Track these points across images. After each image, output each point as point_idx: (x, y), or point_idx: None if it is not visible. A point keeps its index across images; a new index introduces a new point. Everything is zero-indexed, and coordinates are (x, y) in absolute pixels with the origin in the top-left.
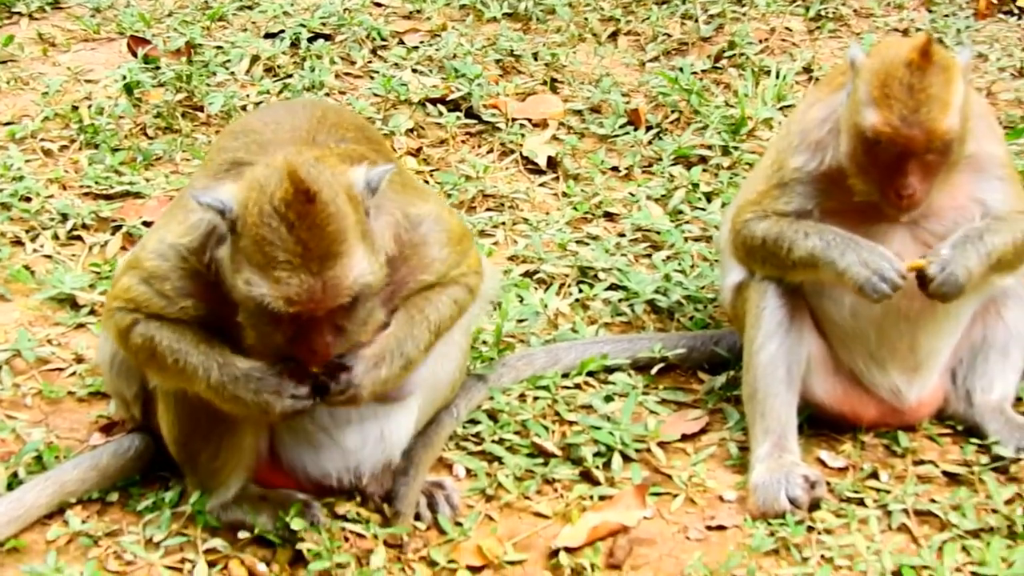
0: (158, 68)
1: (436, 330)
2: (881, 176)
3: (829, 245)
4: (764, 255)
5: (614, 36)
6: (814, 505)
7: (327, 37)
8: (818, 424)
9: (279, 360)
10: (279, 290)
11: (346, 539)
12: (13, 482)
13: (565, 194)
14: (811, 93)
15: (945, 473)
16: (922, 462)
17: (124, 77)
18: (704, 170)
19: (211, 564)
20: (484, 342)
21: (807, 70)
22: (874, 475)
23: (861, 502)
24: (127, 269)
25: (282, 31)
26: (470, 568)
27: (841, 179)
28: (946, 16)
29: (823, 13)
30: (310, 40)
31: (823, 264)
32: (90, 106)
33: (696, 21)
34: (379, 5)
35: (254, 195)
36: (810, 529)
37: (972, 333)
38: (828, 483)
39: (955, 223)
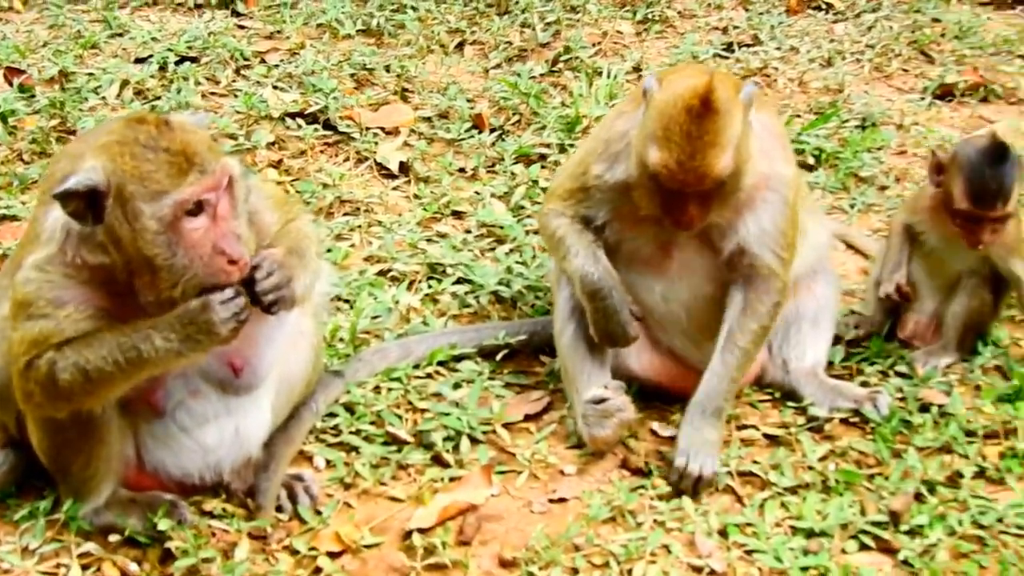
0: (33, 96)
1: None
2: (662, 202)
3: (587, 278)
4: (552, 247)
5: (460, 46)
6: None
7: (193, 60)
8: (649, 397)
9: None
10: None
11: (213, 534)
12: None
13: (416, 196)
14: (620, 104)
15: (766, 435)
16: (745, 427)
17: None
18: (543, 167)
19: (85, 567)
20: (341, 339)
21: (636, 69)
22: None
23: None
24: (9, 321)
25: (151, 56)
26: (330, 554)
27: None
28: (761, 14)
29: (650, 16)
30: (177, 63)
31: (578, 284)
32: None
33: (534, 29)
34: (242, 27)
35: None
36: (643, 495)
37: (785, 307)
38: (660, 452)
39: (733, 241)
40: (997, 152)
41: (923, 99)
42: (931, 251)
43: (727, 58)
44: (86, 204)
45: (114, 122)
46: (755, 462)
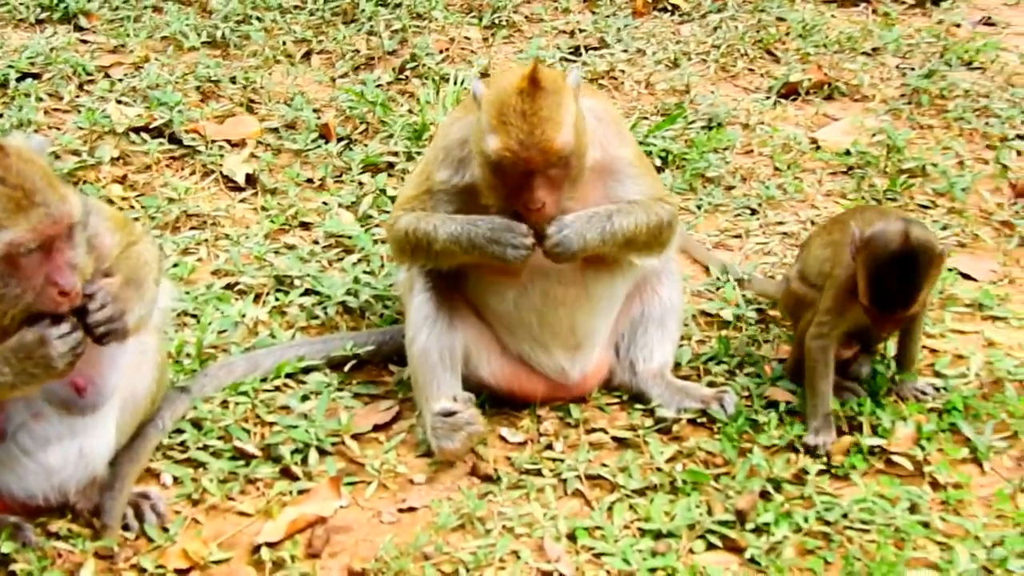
0: None
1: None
2: (511, 193)
3: (462, 231)
4: (412, 248)
5: (307, 56)
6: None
7: (35, 76)
8: (499, 404)
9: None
10: None
11: (59, 555)
12: None
13: (263, 208)
14: (453, 112)
15: (614, 438)
16: (593, 430)
17: None
18: (390, 176)
19: None
20: (187, 355)
21: (484, 75)
22: (550, 446)
23: (539, 472)
24: None
25: None
26: (177, 571)
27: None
28: (607, 17)
29: (496, 21)
30: (19, 80)
31: (468, 249)
32: None
33: (380, 37)
34: (85, 42)
35: None
36: (492, 502)
37: (631, 310)
38: (509, 458)
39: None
40: (904, 254)
41: (768, 98)
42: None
43: (574, 61)
44: None
45: None
46: (604, 465)
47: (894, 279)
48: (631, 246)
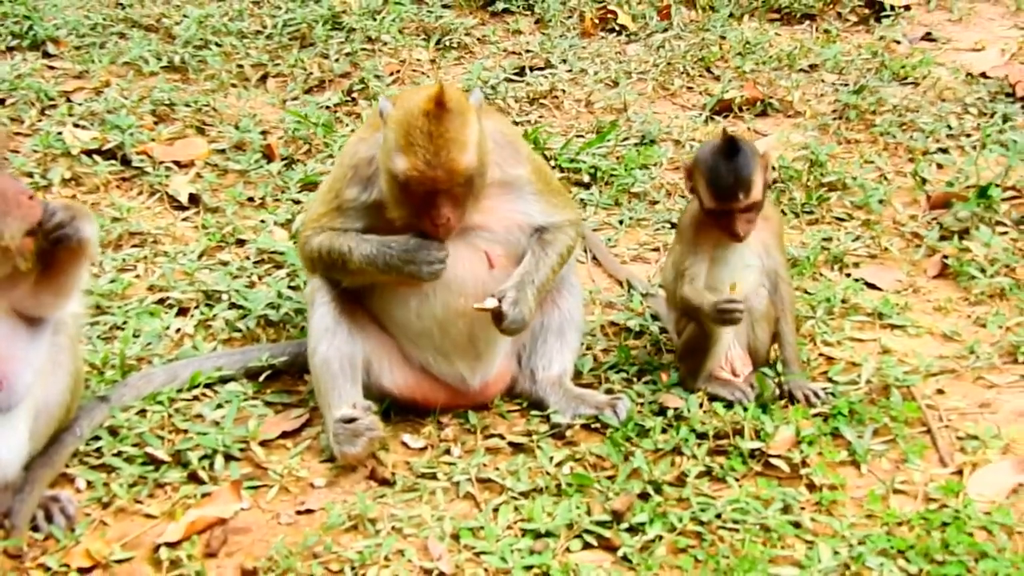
0: None
1: None
2: (418, 211)
3: (377, 251)
4: (325, 266)
5: (264, 79)
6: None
7: (0, 101)
8: (403, 411)
9: None
10: None
11: None
12: None
13: (203, 226)
14: (359, 132)
15: (511, 444)
16: (492, 435)
17: None
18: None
19: None
20: (112, 366)
21: None
22: (448, 451)
23: (434, 476)
24: None
25: None
26: (80, 570)
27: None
28: (557, 38)
29: (447, 43)
30: None
31: (384, 269)
32: None
33: (331, 60)
34: (51, 68)
35: None
36: (384, 504)
37: (533, 321)
38: (408, 462)
39: (506, 233)
40: (729, 148)
41: (700, 115)
42: (717, 281)
43: (518, 82)
44: None
45: None
46: (496, 469)
47: (728, 169)
48: (545, 288)
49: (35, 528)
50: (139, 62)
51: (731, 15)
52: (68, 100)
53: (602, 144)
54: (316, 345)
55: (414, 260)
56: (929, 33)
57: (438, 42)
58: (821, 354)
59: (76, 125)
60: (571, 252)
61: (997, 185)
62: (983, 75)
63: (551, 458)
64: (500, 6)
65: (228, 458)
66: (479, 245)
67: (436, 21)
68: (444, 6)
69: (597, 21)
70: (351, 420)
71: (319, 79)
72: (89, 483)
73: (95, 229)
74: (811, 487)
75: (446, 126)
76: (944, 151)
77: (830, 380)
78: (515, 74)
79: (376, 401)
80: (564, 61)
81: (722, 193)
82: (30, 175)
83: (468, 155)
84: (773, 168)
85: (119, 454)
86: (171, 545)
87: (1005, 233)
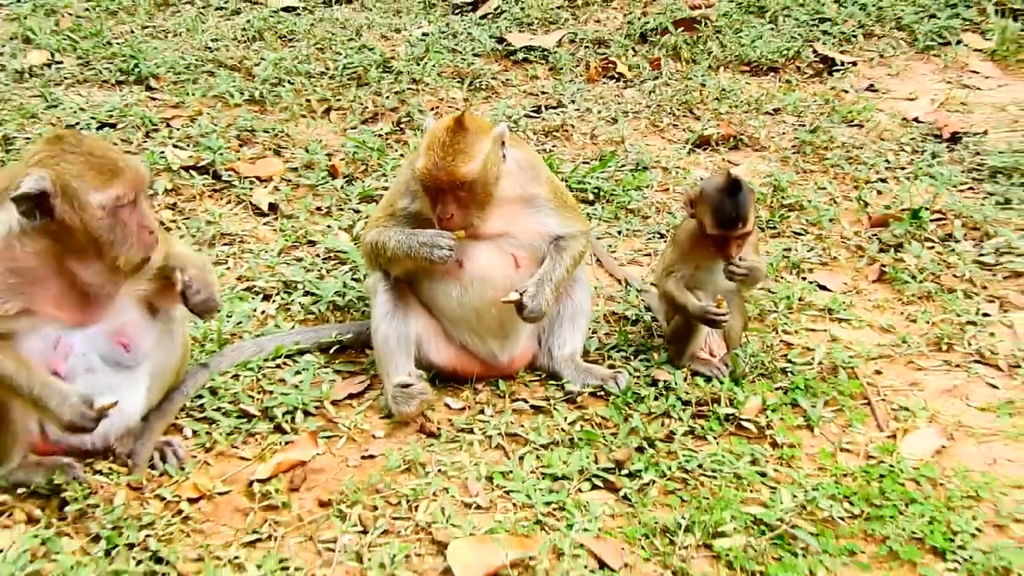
0: None
1: None
2: (432, 205)
3: (404, 239)
4: (374, 255)
5: (327, 112)
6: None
7: (112, 126)
8: (445, 380)
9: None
10: None
11: (100, 487)
12: None
13: (280, 230)
14: (410, 155)
15: (532, 406)
16: (517, 399)
17: None
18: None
19: (0, 513)
20: (211, 340)
21: None
22: (482, 411)
23: (471, 431)
24: None
25: (78, 123)
26: (189, 500)
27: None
28: (567, 83)
29: (477, 85)
30: (98, 128)
31: (407, 254)
32: None
33: (384, 97)
34: (153, 99)
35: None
36: (432, 452)
37: (551, 310)
38: (450, 420)
39: (529, 240)
40: (733, 186)
41: (685, 147)
42: (698, 283)
43: (535, 117)
44: (35, 204)
45: (34, 146)
46: (521, 426)
47: (731, 203)
48: (568, 278)
49: (152, 467)
50: (225, 95)
51: (710, 67)
52: (168, 125)
53: (604, 170)
54: (378, 326)
55: (427, 245)
56: (872, 84)
57: (470, 84)
58: (782, 341)
59: (175, 146)
60: (582, 256)
61: (927, 209)
62: (916, 120)
63: (565, 418)
64: (520, 56)
65: (306, 414)
66: (507, 249)
67: (468, 67)
68: (475, 55)
69: (600, 70)
70: (407, 385)
71: (373, 112)
72: (194, 432)
73: (217, 288)
74: (774, 445)
75: (459, 139)
76: (883, 180)
77: (789, 361)
78: (533, 111)
79: (425, 371)
80: (573, 102)
81: (724, 223)
82: None
83: (471, 165)
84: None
85: (218, 409)
86: (262, 481)
87: (932, 247)
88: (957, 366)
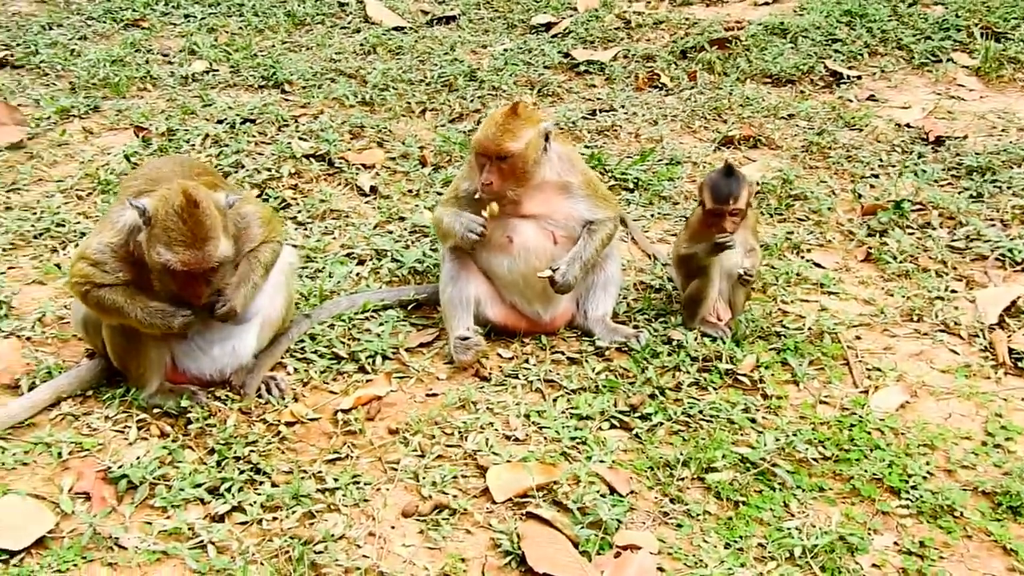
0: (150, 143)
1: (265, 265)
2: (479, 173)
3: (448, 220)
4: (437, 230)
5: (423, 112)
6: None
7: (252, 121)
8: (499, 334)
9: (174, 299)
10: (175, 257)
11: (218, 411)
12: (32, 386)
13: (378, 208)
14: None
15: (568, 358)
16: (556, 352)
17: (124, 150)
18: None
19: (140, 427)
20: (314, 295)
21: None
22: (527, 361)
23: (516, 376)
24: (79, 259)
25: (225, 118)
26: (287, 423)
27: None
28: (619, 91)
29: (545, 91)
30: (241, 123)
31: (451, 232)
32: (105, 167)
33: (468, 100)
34: (286, 100)
35: (161, 203)
36: (482, 392)
37: (587, 279)
38: (500, 367)
39: (564, 221)
40: (726, 170)
41: (712, 146)
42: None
43: (591, 119)
44: (141, 216)
45: (173, 173)
46: (558, 374)
47: (724, 182)
48: (597, 257)
49: (259, 396)
50: (342, 98)
51: (737, 79)
52: (295, 121)
53: (643, 163)
54: (444, 287)
55: (463, 227)
56: (873, 95)
57: (539, 91)
58: (779, 309)
59: (300, 138)
60: (611, 238)
61: (909, 200)
62: (907, 125)
63: (593, 368)
64: (582, 68)
65: (384, 358)
66: (547, 228)
67: (539, 77)
68: (545, 67)
69: (646, 80)
70: (465, 338)
71: (459, 113)
72: (296, 369)
73: (252, 291)
74: (764, 396)
75: (510, 121)
76: (876, 176)
77: (783, 327)
78: (589, 114)
79: (482, 326)
80: (622, 106)
81: (718, 197)
82: (269, 170)
83: (512, 143)
84: (758, 189)
85: (315, 352)
86: (345, 411)
87: (913, 233)
88: (925, 334)
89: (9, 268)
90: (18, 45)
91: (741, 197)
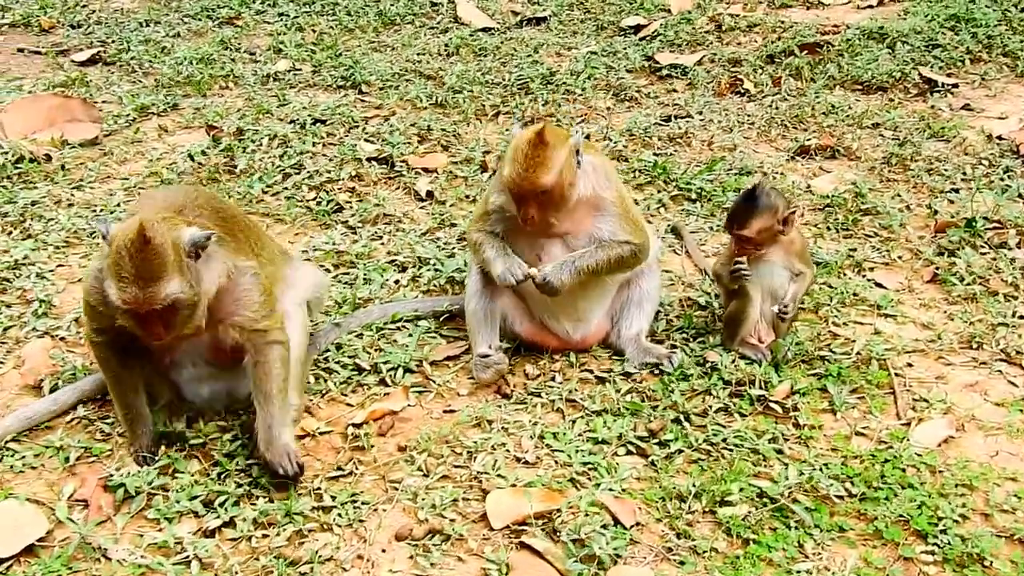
0: (219, 142)
1: (280, 390)
2: (516, 206)
3: (492, 255)
4: (473, 249)
5: (496, 115)
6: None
7: (323, 122)
8: (528, 350)
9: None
10: (118, 294)
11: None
12: (56, 387)
13: (431, 213)
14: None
15: (596, 376)
16: (585, 370)
17: (189, 149)
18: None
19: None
20: (346, 301)
21: (606, 138)
22: (553, 378)
23: (539, 395)
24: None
25: (297, 119)
26: (296, 437)
27: None
28: (699, 96)
29: (623, 96)
30: (312, 124)
31: (488, 265)
32: (171, 166)
33: (540, 103)
34: (363, 101)
35: (120, 233)
36: (500, 410)
37: (622, 295)
38: (525, 384)
39: (588, 239)
40: (749, 193)
41: (786, 156)
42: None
43: (664, 125)
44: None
45: (145, 208)
46: (581, 394)
47: (741, 205)
48: (599, 274)
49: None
50: (415, 99)
51: (825, 86)
52: (366, 122)
53: (710, 173)
54: (469, 301)
55: (506, 269)
56: (968, 104)
57: (617, 95)
58: (829, 331)
59: (366, 140)
60: (621, 261)
61: (985, 218)
62: (999, 137)
63: (619, 389)
64: (664, 72)
65: (407, 371)
66: (573, 245)
67: (618, 81)
68: (627, 70)
69: (729, 86)
70: (486, 356)
71: (531, 117)
72: (316, 378)
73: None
74: (797, 425)
75: (539, 152)
76: (956, 191)
77: (830, 351)
78: (663, 120)
79: (510, 341)
80: (700, 113)
81: (729, 219)
82: (328, 172)
83: (548, 176)
84: (827, 203)
85: (338, 362)
86: (356, 426)
87: (986, 253)
88: (983, 363)
89: (58, 266)
90: (113, 42)
91: (751, 225)
